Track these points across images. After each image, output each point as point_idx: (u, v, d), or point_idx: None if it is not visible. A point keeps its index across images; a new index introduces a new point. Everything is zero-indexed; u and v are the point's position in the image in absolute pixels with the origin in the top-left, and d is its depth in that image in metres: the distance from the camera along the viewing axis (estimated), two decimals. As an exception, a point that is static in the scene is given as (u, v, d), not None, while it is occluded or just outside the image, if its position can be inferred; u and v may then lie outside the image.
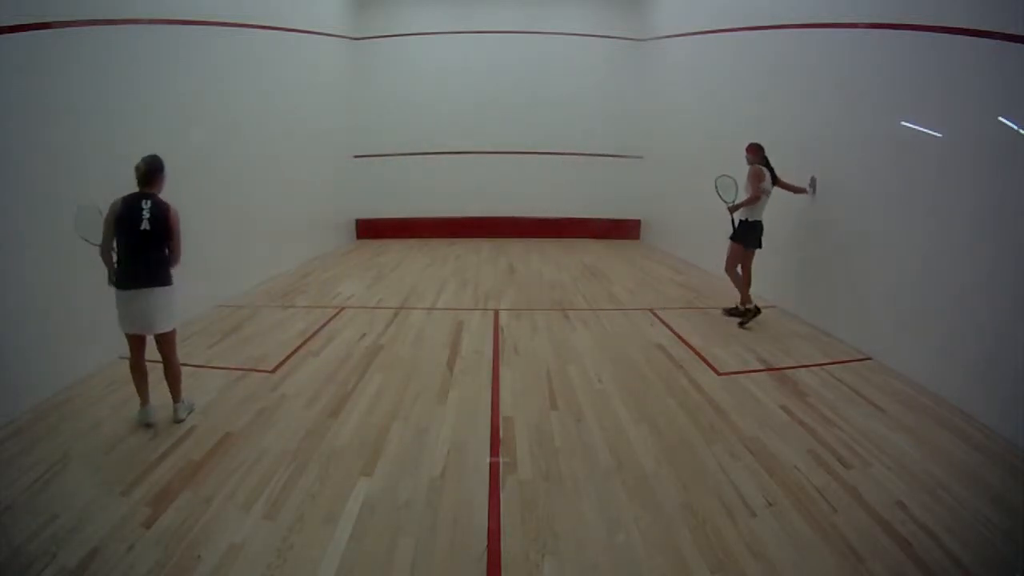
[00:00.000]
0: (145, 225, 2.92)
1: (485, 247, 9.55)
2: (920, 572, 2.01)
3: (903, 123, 3.89)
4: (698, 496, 2.47)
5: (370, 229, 10.58)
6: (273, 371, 3.85)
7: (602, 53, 10.36)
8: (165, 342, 3.15)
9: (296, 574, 2.01)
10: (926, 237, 3.71)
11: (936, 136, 3.64)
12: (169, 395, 3.19)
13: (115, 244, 2.98)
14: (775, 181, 4.90)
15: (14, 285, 3.18)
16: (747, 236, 4.90)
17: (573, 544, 2.16)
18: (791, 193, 4.96)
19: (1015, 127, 3.05)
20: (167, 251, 3.04)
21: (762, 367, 4.01)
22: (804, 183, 4.93)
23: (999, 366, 3.08)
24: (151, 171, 3.01)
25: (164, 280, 3.05)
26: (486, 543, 2.17)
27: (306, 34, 7.98)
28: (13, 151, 3.19)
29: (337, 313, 5.36)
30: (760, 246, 4.96)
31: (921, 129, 3.75)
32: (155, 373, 3.16)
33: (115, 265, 3.00)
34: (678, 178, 8.67)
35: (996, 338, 3.13)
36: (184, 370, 3.81)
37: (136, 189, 3.00)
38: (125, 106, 4.16)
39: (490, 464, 2.73)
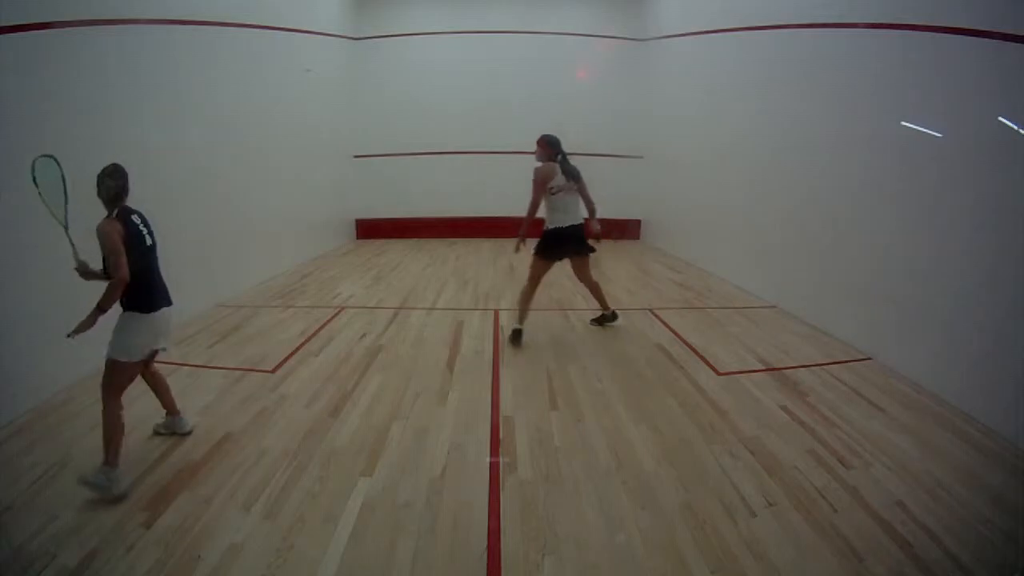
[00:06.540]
0: (149, 240, 2.69)
1: (485, 247, 9.54)
2: (920, 572, 2.01)
3: (903, 123, 3.89)
4: (698, 496, 2.47)
5: (370, 229, 10.57)
6: (273, 371, 3.85)
7: (602, 53, 10.35)
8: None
9: (296, 574, 2.01)
10: (926, 237, 3.71)
11: (936, 136, 3.64)
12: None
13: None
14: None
15: (14, 285, 3.18)
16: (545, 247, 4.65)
17: (573, 544, 2.16)
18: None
19: (1015, 127, 3.05)
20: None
21: (762, 367, 4.01)
22: (803, 185, 4.95)
23: (999, 366, 3.08)
24: (118, 184, 2.62)
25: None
26: (486, 543, 2.16)
27: (306, 34, 7.98)
28: (13, 151, 3.18)
29: (337, 313, 5.36)
30: (572, 255, 4.82)
31: (921, 129, 3.75)
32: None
33: (131, 289, 2.60)
34: (678, 178, 8.67)
35: (996, 338, 3.13)
36: (184, 370, 3.87)
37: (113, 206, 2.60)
38: (125, 106, 4.16)
39: (490, 464, 2.73)
